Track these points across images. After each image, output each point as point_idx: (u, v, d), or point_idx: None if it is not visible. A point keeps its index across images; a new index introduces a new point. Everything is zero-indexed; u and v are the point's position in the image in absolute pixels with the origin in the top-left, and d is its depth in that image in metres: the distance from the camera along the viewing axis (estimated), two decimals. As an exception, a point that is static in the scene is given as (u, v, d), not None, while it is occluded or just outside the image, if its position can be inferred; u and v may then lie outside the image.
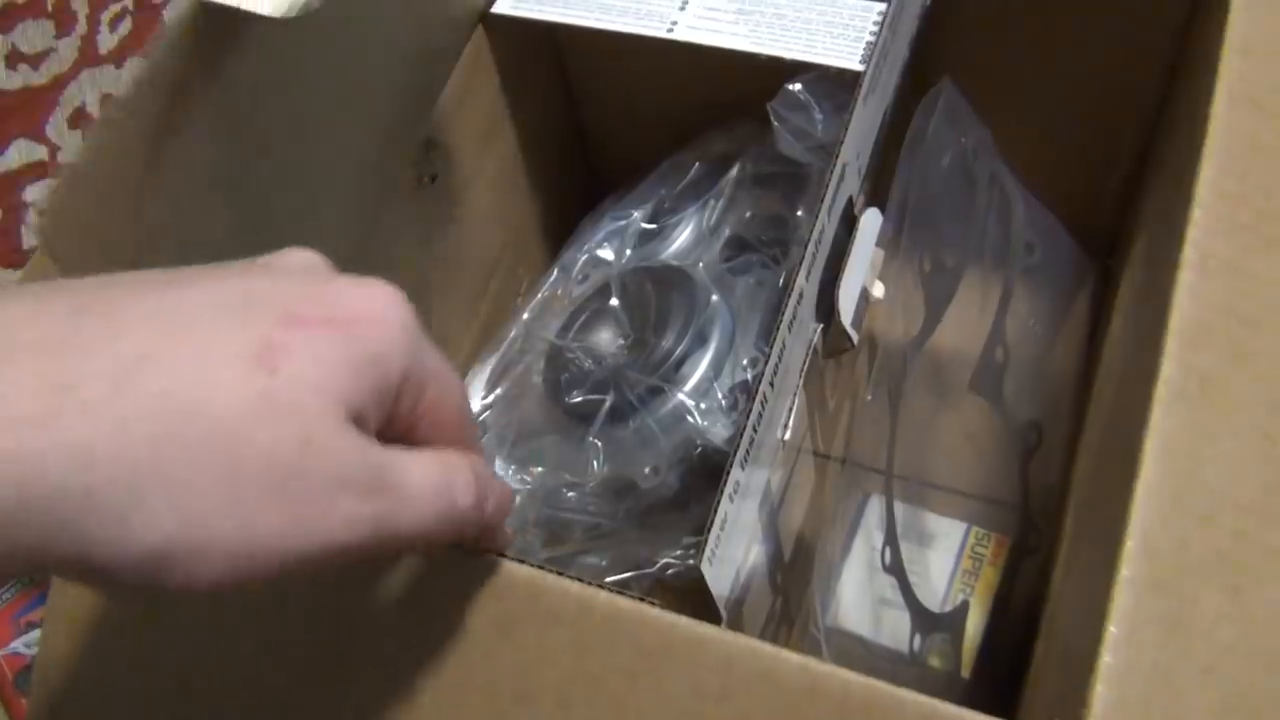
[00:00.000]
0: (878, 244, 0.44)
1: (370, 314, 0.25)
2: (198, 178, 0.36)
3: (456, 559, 0.32)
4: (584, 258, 0.57)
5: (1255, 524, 0.28)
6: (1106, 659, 0.27)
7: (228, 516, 0.22)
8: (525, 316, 0.57)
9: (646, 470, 0.46)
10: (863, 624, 0.47)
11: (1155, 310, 0.32)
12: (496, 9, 0.52)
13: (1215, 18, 0.37)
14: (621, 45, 0.49)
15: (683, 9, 0.49)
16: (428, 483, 0.26)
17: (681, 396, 0.46)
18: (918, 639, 0.45)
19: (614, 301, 0.52)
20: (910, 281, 0.50)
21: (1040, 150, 0.51)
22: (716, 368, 0.47)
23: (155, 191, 0.34)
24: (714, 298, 0.50)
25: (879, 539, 0.49)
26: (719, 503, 0.33)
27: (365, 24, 0.43)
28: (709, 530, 0.33)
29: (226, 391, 0.22)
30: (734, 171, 0.55)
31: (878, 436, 0.48)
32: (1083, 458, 0.44)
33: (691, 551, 0.45)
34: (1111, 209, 0.57)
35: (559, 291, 0.57)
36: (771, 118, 0.48)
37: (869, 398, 0.46)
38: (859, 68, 0.45)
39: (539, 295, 0.57)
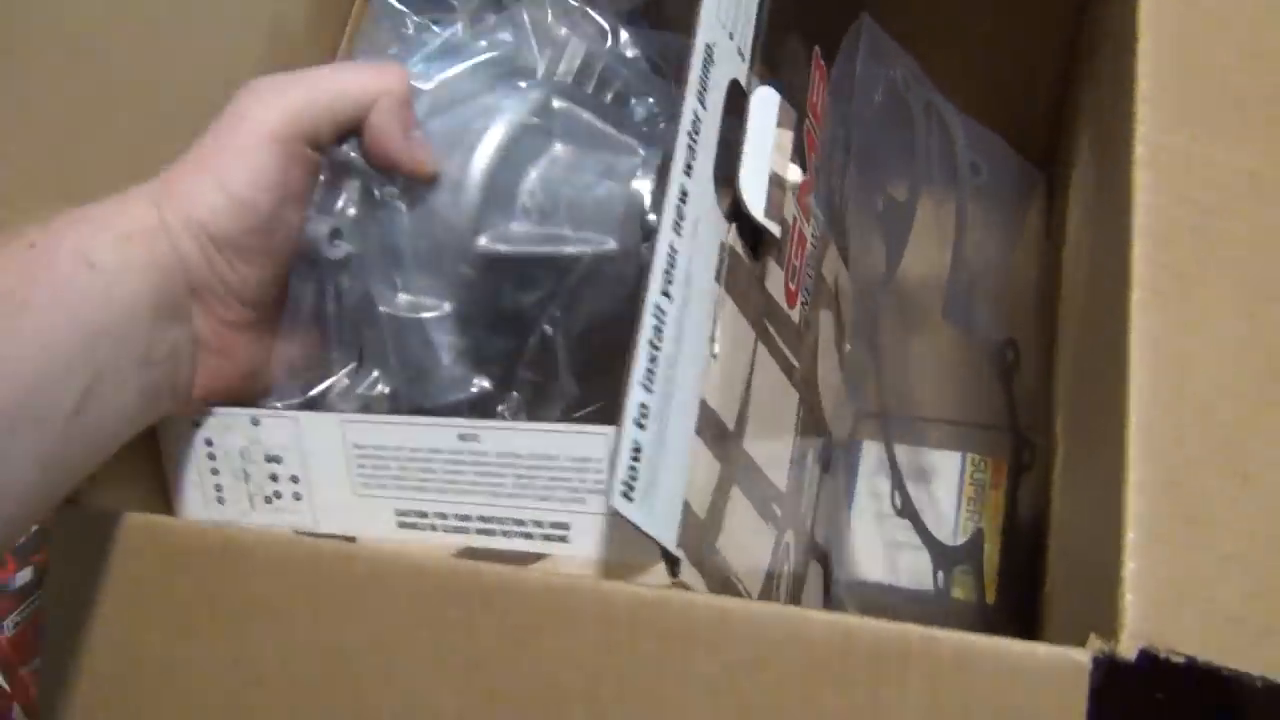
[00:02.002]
0: (780, 125, 0.40)
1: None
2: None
3: (463, 574, 0.32)
4: None
5: (1252, 409, 0.28)
6: (1130, 565, 0.27)
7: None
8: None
9: None
10: (881, 570, 0.47)
11: (1116, 211, 0.32)
12: None
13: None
14: None
15: None
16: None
17: None
18: (940, 575, 0.45)
19: None
20: (867, 221, 0.50)
21: (967, 71, 0.51)
22: None
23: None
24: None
25: (880, 484, 0.49)
26: (623, 426, 0.30)
27: None
28: (615, 462, 0.30)
29: None
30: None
31: (862, 381, 0.48)
32: (1063, 368, 0.44)
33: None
34: (1045, 119, 0.58)
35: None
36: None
37: (848, 346, 0.46)
38: None
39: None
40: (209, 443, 0.39)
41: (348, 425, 0.37)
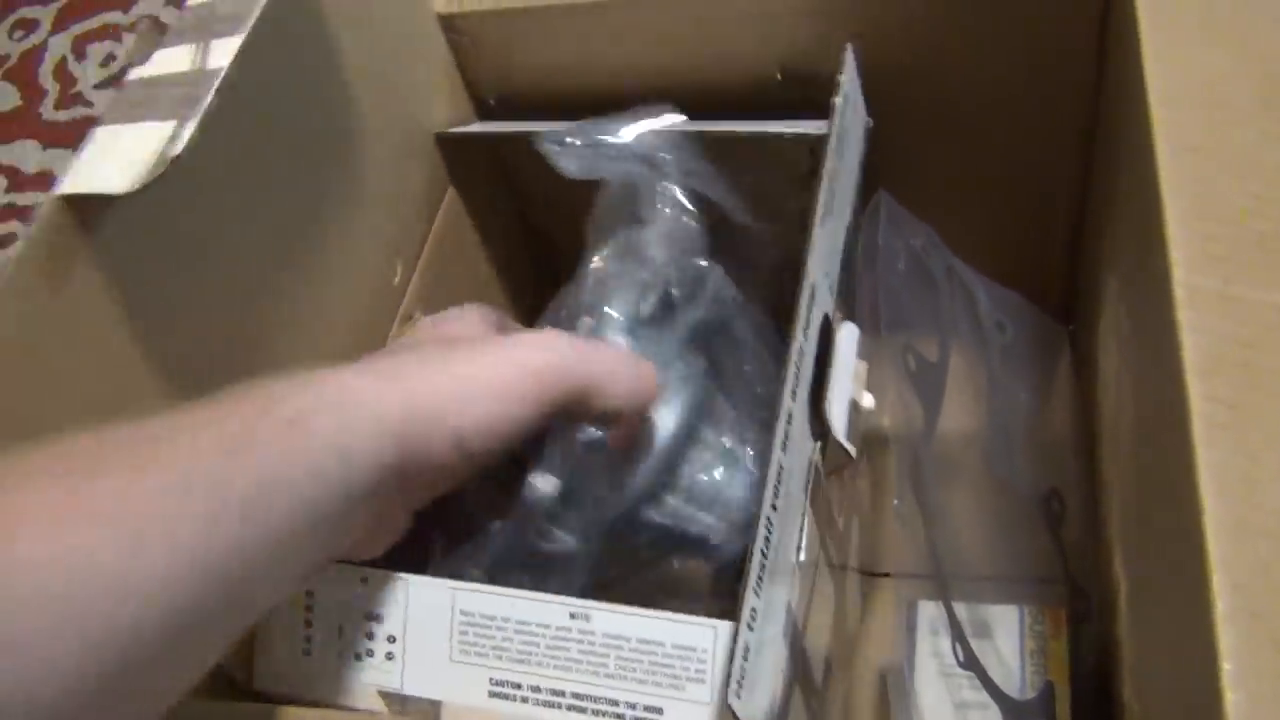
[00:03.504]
0: (859, 356, 0.46)
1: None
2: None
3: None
4: None
5: (1328, 530, 0.28)
6: (1231, 696, 0.27)
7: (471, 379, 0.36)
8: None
9: None
10: (952, 730, 0.46)
11: (1162, 352, 0.33)
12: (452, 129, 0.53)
13: (1130, 77, 0.40)
14: None
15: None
16: (612, 356, 0.39)
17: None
18: (1011, 730, 0.45)
19: None
20: (900, 384, 0.51)
21: (983, 237, 0.53)
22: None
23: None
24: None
25: (940, 643, 0.49)
26: (738, 631, 0.33)
27: (324, 187, 0.44)
28: (732, 661, 0.32)
29: None
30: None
31: (913, 540, 0.48)
32: (1115, 511, 0.45)
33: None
34: (1060, 280, 0.60)
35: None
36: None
37: (896, 502, 0.47)
38: (821, 130, 0.46)
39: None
40: (309, 594, 0.39)
41: (457, 592, 0.38)
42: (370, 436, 0.32)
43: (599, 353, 0.39)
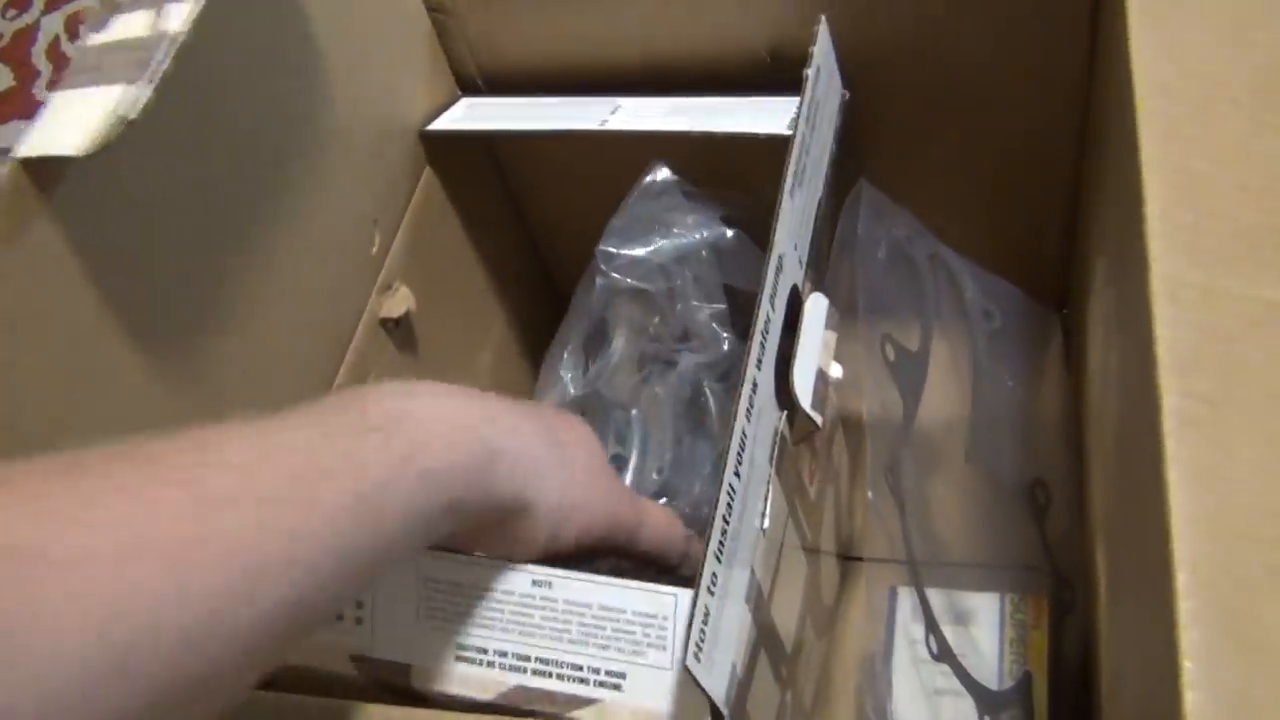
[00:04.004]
0: (829, 326, 0.45)
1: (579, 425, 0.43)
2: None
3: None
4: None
5: (1296, 529, 0.28)
6: (1190, 696, 0.26)
7: (583, 489, 0.39)
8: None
9: None
10: (924, 719, 0.46)
11: (1139, 344, 0.33)
12: (433, 126, 0.53)
13: (1118, 65, 0.39)
14: (557, 145, 0.52)
15: (614, 112, 0.51)
16: (662, 513, 0.44)
17: None
18: (986, 720, 0.44)
19: None
20: (878, 374, 0.51)
21: (977, 223, 0.53)
22: (636, 478, 0.52)
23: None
24: (633, 413, 0.54)
25: (917, 630, 0.48)
26: (698, 595, 0.33)
27: (297, 156, 0.44)
28: (690, 626, 0.32)
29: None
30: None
31: (888, 528, 0.48)
32: (1098, 503, 0.45)
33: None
34: (1055, 265, 0.59)
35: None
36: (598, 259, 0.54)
37: (870, 494, 0.46)
38: (787, 132, 0.46)
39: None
40: None
41: (420, 559, 0.38)
42: (468, 487, 0.33)
43: (658, 520, 0.43)
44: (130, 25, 0.31)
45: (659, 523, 0.43)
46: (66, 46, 1.17)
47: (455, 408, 0.34)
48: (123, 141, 0.30)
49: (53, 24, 1.20)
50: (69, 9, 1.20)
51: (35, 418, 0.33)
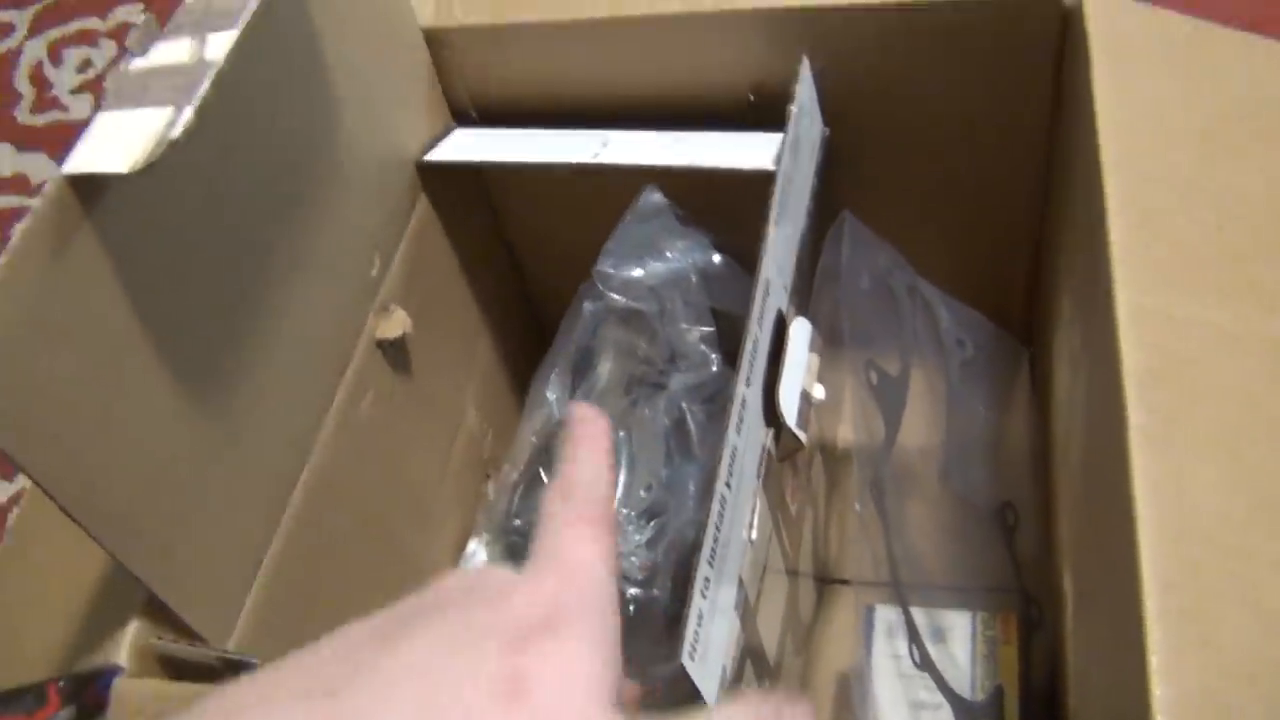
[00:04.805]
0: (811, 350, 0.47)
1: (581, 596, 0.25)
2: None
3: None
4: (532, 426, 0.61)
5: (1255, 539, 0.30)
6: (1158, 692, 0.28)
7: None
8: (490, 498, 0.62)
9: None
10: (905, 730, 0.48)
11: (1105, 368, 0.35)
12: (430, 156, 0.55)
13: (1081, 104, 0.41)
14: (546, 176, 0.54)
15: (605, 145, 0.53)
16: None
17: None
18: (963, 731, 0.46)
19: (540, 470, 0.58)
20: (862, 397, 0.53)
21: (948, 262, 0.55)
22: (625, 496, 0.54)
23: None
24: (621, 434, 0.56)
25: (898, 645, 0.50)
26: (692, 597, 0.34)
27: (308, 181, 0.45)
28: (685, 625, 0.34)
29: None
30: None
31: (871, 547, 0.50)
32: (1065, 521, 0.47)
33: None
34: (1021, 299, 0.62)
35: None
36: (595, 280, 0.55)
37: (857, 507, 0.48)
38: (772, 167, 0.47)
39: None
40: None
41: None
42: None
43: None
44: (174, 52, 0.33)
45: None
46: (50, 71, 1.18)
47: None
48: (163, 163, 0.32)
49: (36, 49, 1.21)
50: (53, 34, 1.21)
51: (74, 433, 0.34)
